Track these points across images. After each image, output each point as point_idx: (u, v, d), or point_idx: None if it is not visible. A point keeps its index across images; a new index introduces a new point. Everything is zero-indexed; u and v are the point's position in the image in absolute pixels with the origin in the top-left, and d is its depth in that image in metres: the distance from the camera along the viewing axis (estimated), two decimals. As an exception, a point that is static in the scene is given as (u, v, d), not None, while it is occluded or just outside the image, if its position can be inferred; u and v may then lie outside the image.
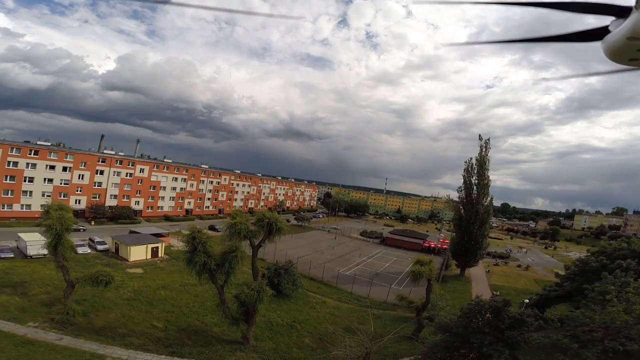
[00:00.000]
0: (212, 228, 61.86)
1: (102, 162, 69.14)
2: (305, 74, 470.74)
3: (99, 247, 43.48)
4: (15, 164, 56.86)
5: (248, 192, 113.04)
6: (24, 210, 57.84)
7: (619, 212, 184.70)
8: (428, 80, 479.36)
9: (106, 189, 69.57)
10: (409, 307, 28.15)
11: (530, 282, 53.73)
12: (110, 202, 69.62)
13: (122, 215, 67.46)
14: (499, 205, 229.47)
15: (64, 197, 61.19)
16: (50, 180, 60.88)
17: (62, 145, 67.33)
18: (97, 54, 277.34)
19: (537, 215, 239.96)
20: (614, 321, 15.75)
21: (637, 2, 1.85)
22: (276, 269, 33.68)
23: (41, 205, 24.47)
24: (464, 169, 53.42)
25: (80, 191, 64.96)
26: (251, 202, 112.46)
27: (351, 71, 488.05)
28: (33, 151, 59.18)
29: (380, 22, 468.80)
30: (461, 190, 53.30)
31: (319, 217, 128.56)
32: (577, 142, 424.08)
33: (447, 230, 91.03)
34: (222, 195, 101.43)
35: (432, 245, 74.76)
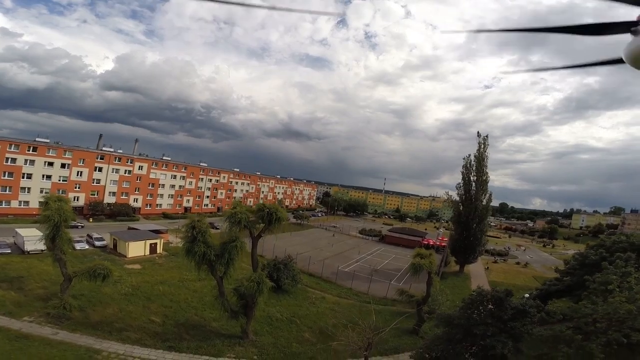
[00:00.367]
0: (211, 226, 61.49)
1: (100, 159, 68.90)
2: (304, 74, 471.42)
3: (97, 243, 43.27)
4: (14, 160, 56.66)
5: (247, 191, 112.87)
6: (22, 206, 57.60)
7: (616, 211, 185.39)
8: (427, 80, 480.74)
9: (104, 186, 69.33)
10: (409, 301, 28.04)
11: (529, 279, 53.74)
12: (108, 199, 69.42)
13: (121, 212, 67.25)
14: (497, 205, 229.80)
15: (62, 194, 60.79)
16: (49, 177, 60.65)
17: (60, 144, 67.03)
18: (95, 53, 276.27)
19: (535, 214, 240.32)
20: (617, 311, 15.64)
21: None
22: (275, 264, 33.55)
23: (40, 197, 24.34)
24: (463, 166, 53.45)
25: (78, 188, 64.74)
26: (250, 201, 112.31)
27: (350, 71, 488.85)
28: (32, 148, 59.00)
29: (379, 22, 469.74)
30: (460, 187, 53.32)
31: (318, 216, 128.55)
32: (575, 142, 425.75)
33: (446, 229, 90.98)
34: (221, 193, 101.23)
35: (431, 243, 74.64)
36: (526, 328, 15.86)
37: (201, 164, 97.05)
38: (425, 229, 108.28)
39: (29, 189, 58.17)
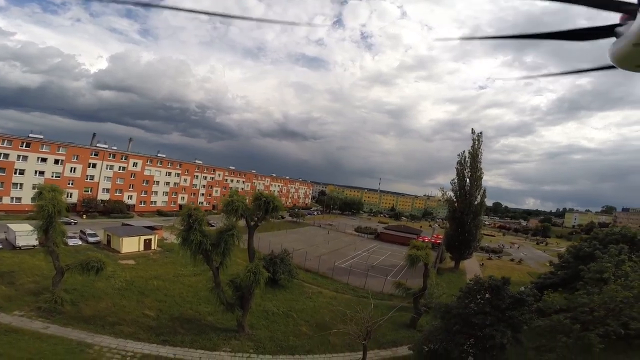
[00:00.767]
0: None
1: (94, 155, 68.11)
2: (301, 74, 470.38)
3: (90, 239, 42.69)
4: (6, 155, 55.80)
5: (242, 189, 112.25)
6: (14, 203, 56.76)
7: (608, 210, 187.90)
8: (422, 81, 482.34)
9: (98, 182, 68.57)
10: (406, 293, 28.04)
11: (524, 275, 54.16)
12: (102, 196, 68.64)
13: (115, 209, 66.50)
14: (491, 204, 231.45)
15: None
16: (42, 173, 59.76)
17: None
18: (89, 52, 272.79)
19: (528, 214, 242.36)
20: (613, 299, 15.75)
21: None
22: (272, 258, 33.35)
23: (34, 191, 23.97)
24: (457, 162, 53.87)
25: (72, 184, 63.89)
26: (246, 199, 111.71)
27: (346, 71, 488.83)
28: (25, 143, 58.14)
29: (375, 23, 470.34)
30: (454, 183, 53.66)
31: (314, 214, 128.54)
32: (567, 143, 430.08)
33: (441, 227, 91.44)
34: (216, 191, 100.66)
35: (426, 240, 74.86)
36: (524, 317, 15.88)
37: (196, 161, 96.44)
38: (420, 227, 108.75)
39: (21, 185, 57.27)
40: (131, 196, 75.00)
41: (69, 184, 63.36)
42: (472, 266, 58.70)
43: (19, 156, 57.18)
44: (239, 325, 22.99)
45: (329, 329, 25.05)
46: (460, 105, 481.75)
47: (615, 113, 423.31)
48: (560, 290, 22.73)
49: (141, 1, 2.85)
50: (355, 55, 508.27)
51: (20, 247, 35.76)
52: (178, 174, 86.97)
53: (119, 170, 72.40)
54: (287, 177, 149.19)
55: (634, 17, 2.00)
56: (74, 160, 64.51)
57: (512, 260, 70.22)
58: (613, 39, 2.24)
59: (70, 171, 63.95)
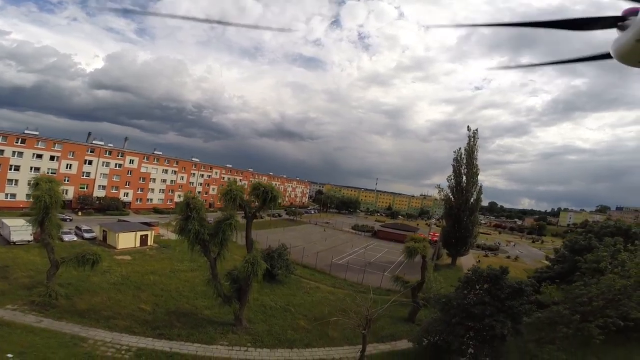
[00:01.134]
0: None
1: (91, 152, 67.62)
2: (298, 74, 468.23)
3: (86, 235, 42.35)
4: (1, 152, 55.39)
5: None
6: (9, 199, 56.19)
7: (602, 209, 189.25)
8: (418, 81, 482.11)
9: (94, 179, 68.07)
10: (404, 286, 28.04)
11: (520, 272, 54.21)
12: (98, 192, 68.15)
13: (110, 206, 66.06)
14: (487, 204, 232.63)
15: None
16: (37, 169, 59.14)
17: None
18: (85, 52, 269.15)
19: (523, 213, 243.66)
20: (611, 288, 15.78)
21: None
22: (269, 252, 33.17)
23: (29, 182, 23.82)
24: (454, 159, 54.38)
25: (67, 181, 63.25)
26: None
27: (343, 72, 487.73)
28: (20, 139, 57.64)
29: (373, 23, 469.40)
30: (451, 180, 53.98)
31: (311, 213, 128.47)
32: (562, 143, 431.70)
33: (437, 226, 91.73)
34: (213, 189, 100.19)
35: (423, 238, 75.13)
36: (524, 308, 15.86)
37: (193, 159, 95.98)
38: (417, 225, 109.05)
39: (16, 181, 56.76)
40: (127, 193, 74.52)
41: (64, 180, 62.50)
42: (469, 263, 58.75)
43: (14, 152, 56.69)
44: (236, 319, 22.83)
45: (327, 322, 25.01)
46: (457, 106, 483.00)
47: (610, 114, 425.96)
48: (558, 281, 22.80)
49: (137, 10, 2.73)
50: (353, 55, 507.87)
51: (14, 243, 35.41)
52: (175, 171, 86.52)
53: (115, 167, 71.89)
54: (284, 176, 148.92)
55: (636, 14, 2.03)
56: (70, 156, 64.01)
57: (508, 257, 70.50)
58: (612, 31, 2.26)
59: (66, 168, 63.43)
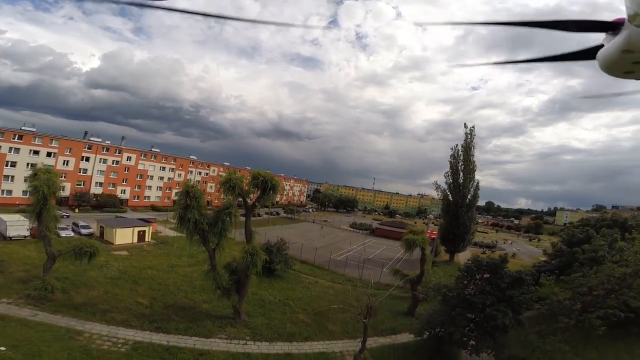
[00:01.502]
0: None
1: (88, 149, 67.18)
2: (295, 74, 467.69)
3: (83, 231, 42.00)
4: (-2, 147, 54.90)
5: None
6: (5, 195, 55.73)
7: (598, 209, 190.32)
8: (415, 81, 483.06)
9: (91, 176, 67.65)
10: (403, 279, 28.03)
11: (518, 268, 53.79)
12: (95, 189, 67.73)
13: (108, 203, 65.64)
14: (484, 204, 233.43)
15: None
16: (34, 166, 58.45)
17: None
18: (81, 51, 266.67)
19: (520, 213, 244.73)
20: (610, 277, 15.77)
21: (629, 16, 1.84)
22: (268, 247, 33.02)
23: (25, 178, 23.61)
24: (451, 155, 54.73)
25: (64, 177, 62.68)
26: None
27: (341, 72, 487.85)
28: (17, 136, 57.25)
29: (370, 23, 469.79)
30: (448, 176, 54.17)
31: (309, 212, 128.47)
32: (558, 144, 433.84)
33: (434, 224, 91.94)
34: (211, 187, 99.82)
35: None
36: (524, 297, 15.82)
37: (191, 157, 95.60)
38: (415, 223, 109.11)
39: (12, 177, 56.32)
40: (124, 190, 74.12)
41: (61, 177, 61.89)
42: (467, 259, 59.02)
43: (10, 148, 56.31)
44: (234, 312, 22.67)
45: (327, 316, 24.92)
46: (454, 106, 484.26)
47: (605, 114, 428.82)
48: (557, 272, 22.83)
49: (135, 1, 2.71)
50: (350, 55, 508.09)
51: (10, 238, 35.06)
52: (172, 169, 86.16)
53: (113, 164, 71.48)
54: (282, 175, 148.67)
55: (621, 25, 2.00)
56: (67, 153, 63.59)
57: (505, 254, 70.67)
58: (603, 35, 2.23)
59: (63, 164, 62.96)
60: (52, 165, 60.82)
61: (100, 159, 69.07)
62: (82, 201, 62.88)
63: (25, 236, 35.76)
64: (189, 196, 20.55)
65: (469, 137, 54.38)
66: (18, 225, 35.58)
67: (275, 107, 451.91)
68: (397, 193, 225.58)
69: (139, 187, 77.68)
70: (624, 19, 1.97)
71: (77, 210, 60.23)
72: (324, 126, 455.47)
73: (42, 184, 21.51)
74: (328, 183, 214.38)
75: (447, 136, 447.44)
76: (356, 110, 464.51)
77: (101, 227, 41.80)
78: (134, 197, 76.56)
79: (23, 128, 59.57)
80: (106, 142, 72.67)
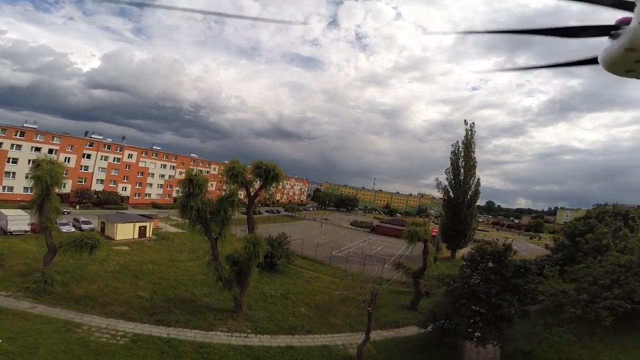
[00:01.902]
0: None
1: (89, 146, 67.17)
2: (295, 74, 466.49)
3: (84, 227, 41.80)
4: (0, 144, 54.79)
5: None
6: (6, 192, 55.68)
7: (598, 208, 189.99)
8: (416, 81, 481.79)
9: (92, 173, 67.62)
10: (406, 272, 27.85)
11: (520, 266, 54.41)
12: (96, 186, 67.69)
13: (109, 200, 65.49)
14: (484, 203, 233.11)
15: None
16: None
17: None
18: (81, 51, 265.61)
19: (521, 212, 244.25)
20: (615, 266, 15.55)
21: (636, 15, 1.83)
22: (269, 241, 32.80)
23: (26, 175, 23.64)
24: (452, 152, 54.84)
25: (65, 174, 62.62)
26: (240, 193, 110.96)
27: (340, 72, 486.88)
28: (19, 132, 57.27)
29: (370, 24, 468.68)
30: (449, 172, 54.10)
31: (309, 210, 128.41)
32: (558, 144, 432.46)
33: (435, 223, 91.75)
34: (212, 185, 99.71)
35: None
36: (530, 287, 15.59)
37: (192, 155, 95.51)
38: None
39: (13, 173, 56.33)
40: (125, 188, 74.05)
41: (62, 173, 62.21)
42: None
43: (12, 145, 56.40)
44: (236, 304, 22.47)
45: (329, 310, 24.74)
46: (454, 106, 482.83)
47: (605, 114, 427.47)
48: (560, 263, 22.63)
49: (135, 1, 2.53)
50: (350, 55, 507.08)
51: (11, 233, 35.00)
52: (173, 166, 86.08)
53: (114, 161, 71.45)
54: (280, 184, 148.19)
55: (628, 23, 1.98)
56: (69, 150, 63.60)
57: (510, 244, 70.39)
58: (604, 39, 2.24)
59: (65, 161, 62.63)
60: (53, 162, 60.87)
61: (102, 156, 69.00)
62: (83, 198, 62.78)
63: (25, 231, 35.69)
64: (192, 184, 20.37)
65: (470, 133, 54.50)
66: (19, 220, 35.53)
67: (275, 107, 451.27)
68: (397, 193, 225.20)
69: (140, 184, 77.60)
70: (628, 19, 1.97)
71: (78, 207, 60.16)
72: (324, 126, 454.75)
73: (45, 173, 21.38)
74: (328, 182, 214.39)
75: (447, 136, 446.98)
76: (356, 111, 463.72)
77: (102, 222, 41.68)
78: (135, 194, 76.47)
79: (25, 125, 59.57)
80: (107, 139, 72.63)
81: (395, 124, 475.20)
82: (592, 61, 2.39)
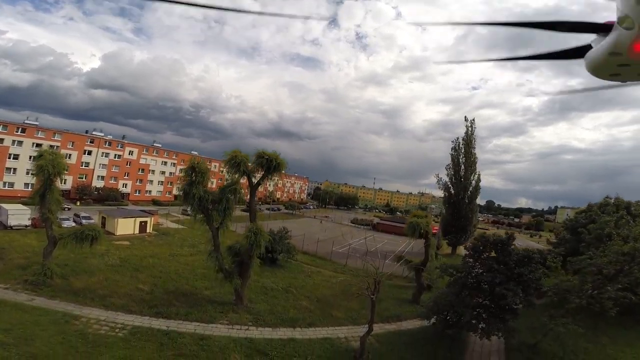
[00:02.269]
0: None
1: (90, 142, 67.14)
2: (295, 74, 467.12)
3: (85, 222, 41.42)
4: (1, 140, 54.95)
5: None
6: (7, 188, 55.63)
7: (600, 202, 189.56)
8: (415, 81, 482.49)
9: (93, 169, 67.57)
10: (407, 265, 27.73)
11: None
12: (97, 183, 67.58)
13: (109, 197, 65.48)
14: (485, 203, 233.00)
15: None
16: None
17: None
18: (82, 51, 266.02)
19: (521, 212, 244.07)
20: (619, 255, 15.34)
21: (619, 18, 1.82)
22: (270, 235, 32.69)
23: (27, 171, 23.64)
24: (452, 148, 54.79)
25: (66, 170, 62.59)
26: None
27: (341, 72, 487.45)
28: (20, 129, 57.21)
29: (370, 23, 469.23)
30: (450, 168, 54.07)
31: (310, 209, 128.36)
32: (558, 143, 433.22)
33: (435, 221, 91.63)
34: (212, 182, 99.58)
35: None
36: (533, 276, 15.41)
37: (192, 152, 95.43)
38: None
39: (14, 169, 56.30)
40: (126, 184, 74.01)
41: (65, 165, 62.15)
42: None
43: (13, 141, 56.36)
44: (237, 297, 22.32)
45: (330, 303, 24.61)
46: (453, 106, 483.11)
47: (606, 114, 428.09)
48: (563, 254, 22.46)
49: None
50: (350, 55, 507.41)
51: (12, 227, 34.93)
52: (174, 163, 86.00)
53: (115, 158, 71.40)
54: (283, 172, 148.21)
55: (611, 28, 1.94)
56: (70, 146, 63.60)
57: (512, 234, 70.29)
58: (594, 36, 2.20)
59: (66, 157, 62.39)
60: (54, 158, 60.81)
61: (103, 152, 68.95)
62: (84, 194, 62.72)
63: (26, 226, 35.63)
64: (195, 172, 20.24)
65: (470, 130, 54.46)
66: (19, 215, 35.47)
67: (275, 107, 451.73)
68: (397, 191, 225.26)
69: (141, 181, 77.57)
70: (613, 22, 1.93)
71: (78, 203, 60.10)
72: (324, 126, 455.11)
73: (48, 163, 21.27)
74: (329, 181, 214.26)
75: (447, 136, 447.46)
76: (356, 110, 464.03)
77: (103, 217, 41.56)
78: (136, 191, 76.45)
79: (26, 121, 59.57)
80: (108, 136, 72.53)
81: (395, 123, 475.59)
82: (579, 54, 2.34)
